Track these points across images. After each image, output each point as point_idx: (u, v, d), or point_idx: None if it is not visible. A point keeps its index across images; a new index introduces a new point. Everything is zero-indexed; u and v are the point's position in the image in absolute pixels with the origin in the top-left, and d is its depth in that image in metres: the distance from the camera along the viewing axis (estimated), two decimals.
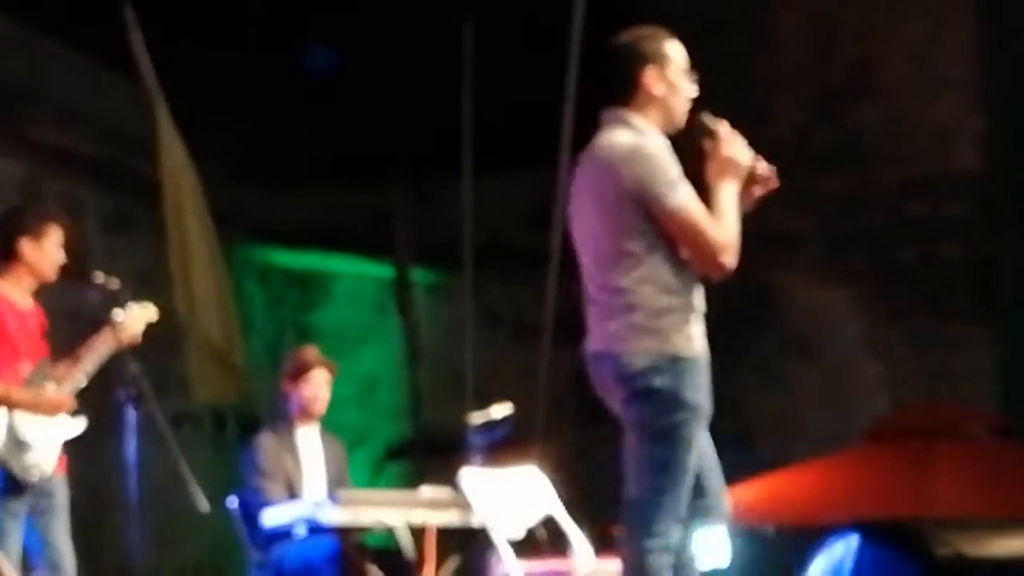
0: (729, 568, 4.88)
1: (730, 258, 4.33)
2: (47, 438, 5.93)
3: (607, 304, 4.39)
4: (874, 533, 3.95)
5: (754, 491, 8.80)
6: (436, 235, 12.17)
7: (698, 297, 4.43)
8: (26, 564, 5.85)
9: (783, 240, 11.11)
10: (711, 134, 4.49)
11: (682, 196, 4.32)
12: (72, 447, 6.29)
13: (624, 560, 4.43)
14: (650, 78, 4.47)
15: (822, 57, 11.60)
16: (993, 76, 11.10)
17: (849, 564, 3.97)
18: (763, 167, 4.55)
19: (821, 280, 11.41)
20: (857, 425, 10.46)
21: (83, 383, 6.08)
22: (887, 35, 11.49)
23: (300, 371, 6.92)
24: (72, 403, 6.02)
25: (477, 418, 6.55)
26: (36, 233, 6.08)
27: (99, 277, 6.26)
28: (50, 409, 5.93)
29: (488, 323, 12.49)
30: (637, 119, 4.47)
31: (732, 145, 4.46)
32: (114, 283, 6.23)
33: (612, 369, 4.37)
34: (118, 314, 6.15)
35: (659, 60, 4.50)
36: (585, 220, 4.53)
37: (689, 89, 4.54)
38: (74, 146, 10.47)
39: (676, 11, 11.62)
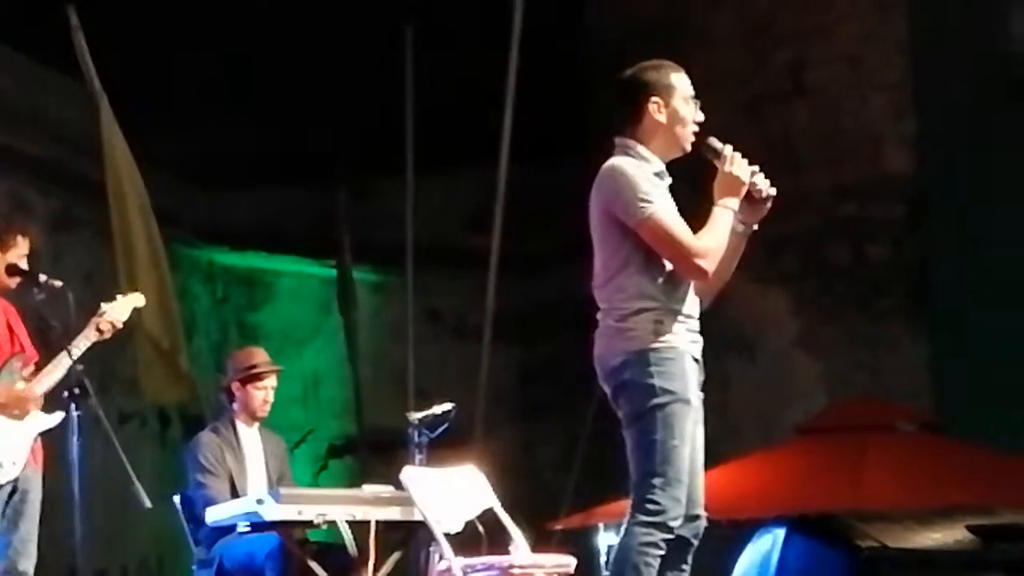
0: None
1: (706, 263, 4.68)
2: (15, 435, 5.96)
3: (600, 312, 4.79)
4: (800, 526, 4.09)
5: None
6: (378, 235, 12.23)
7: (680, 300, 4.74)
8: None
9: None
10: (716, 154, 4.84)
11: (650, 208, 4.66)
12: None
13: (621, 543, 4.70)
14: (652, 107, 4.79)
15: (754, 60, 11.74)
16: (923, 78, 11.28)
17: (776, 556, 4.10)
18: (761, 182, 4.89)
19: (757, 281, 11.55)
20: (794, 421, 10.65)
21: (55, 380, 6.09)
22: (818, 38, 11.65)
23: (251, 376, 6.94)
24: (37, 400, 6.04)
25: (418, 416, 6.62)
26: (4, 245, 6.14)
27: (42, 277, 6.27)
28: (14, 409, 5.97)
29: (430, 322, 12.59)
30: (635, 146, 4.82)
31: (734, 164, 4.82)
32: (57, 283, 6.24)
33: (599, 371, 4.78)
34: (102, 307, 6.21)
35: (662, 90, 4.83)
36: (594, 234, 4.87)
37: (693, 115, 4.87)
38: (19, 146, 10.48)
39: (610, 14, 11.80)
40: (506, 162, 10.00)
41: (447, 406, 6.63)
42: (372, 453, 11.81)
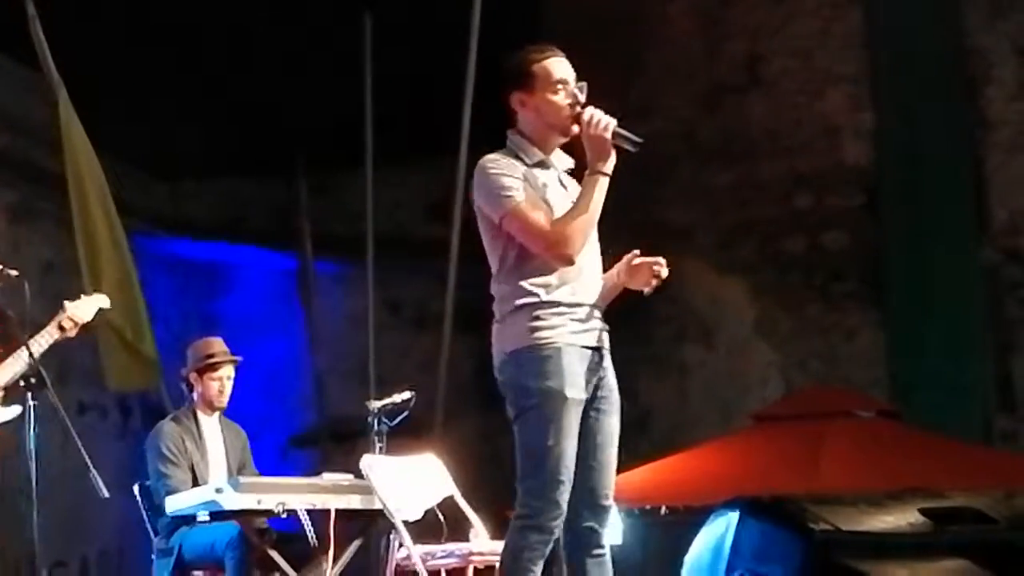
0: (621, 547, 5.08)
1: (567, 247, 4.56)
2: None
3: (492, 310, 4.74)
4: (753, 509, 4.14)
5: (647, 473, 9.03)
6: (338, 226, 12.23)
7: (561, 291, 4.65)
8: None
9: (677, 231, 11.32)
10: (580, 123, 4.67)
11: (510, 202, 4.59)
12: None
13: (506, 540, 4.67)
14: (515, 101, 4.74)
15: (710, 52, 11.81)
16: (878, 70, 11.37)
17: (729, 539, 4.15)
18: (626, 132, 4.69)
19: (714, 270, 11.63)
20: (750, 408, 10.73)
21: (14, 375, 6.07)
22: (774, 30, 11.73)
23: (208, 366, 6.95)
24: None
25: (378, 404, 6.64)
26: None
27: None
28: None
29: (390, 312, 12.59)
30: (515, 138, 4.77)
31: (594, 125, 4.63)
32: (13, 272, 6.21)
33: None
34: (66, 305, 6.19)
35: (523, 81, 4.73)
36: None
37: (566, 99, 4.71)
38: None
39: (567, 6, 11.83)
40: (466, 153, 10.02)
41: (407, 394, 6.67)
42: (333, 442, 11.83)
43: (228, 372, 6.99)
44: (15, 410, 6.11)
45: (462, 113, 10.04)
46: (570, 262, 4.59)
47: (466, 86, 10.05)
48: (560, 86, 4.71)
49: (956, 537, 4.27)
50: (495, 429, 12.74)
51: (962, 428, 10.04)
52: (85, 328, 6.32)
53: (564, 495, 4.52)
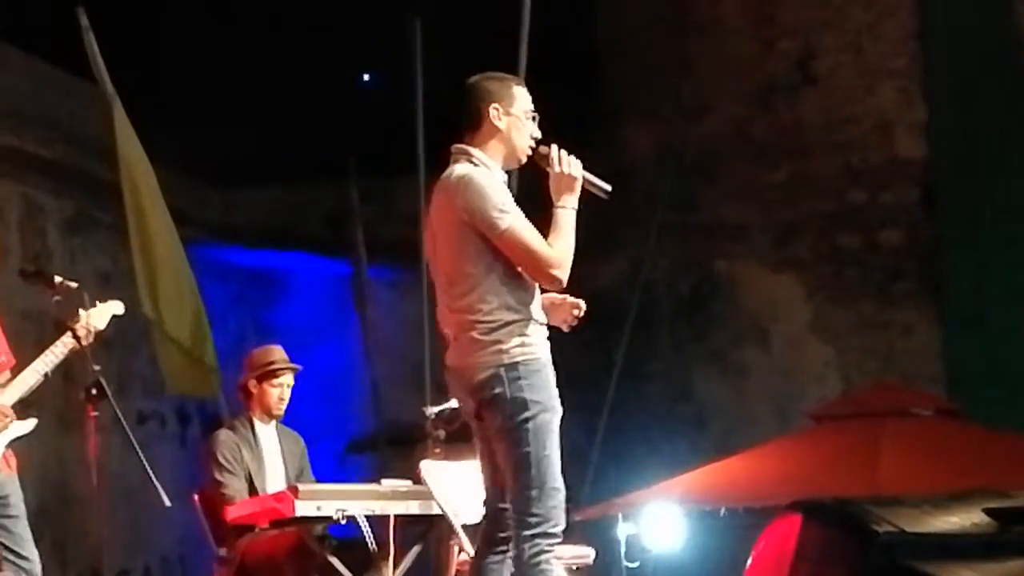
0: (681, 549, 5.08)
1: (561, 272, 4.72)
2: None
3: (455, 323, 4.79)
4: (816, 512, 4.12)
5: (705, 475, 9.01)
6: (391, 231, 12.25)
7: (538, 309, 4.81)
8: None
9: (730, 230, 11.28)
10: (544, 159, 4.86)
11: (509, 219, 4.69)
12: (36, 447, 6.34)
13: (514, 560, 4.76)
14: (493, 114, 4.83)
15: (762, 50, 11.76)
16: (929, 65, 11.29)
17: (792, 542, 4.13)
18: (594, 177, 4.87)
19: (769, 268, 11.57)
20: (807, 408, 10.67)
21: (29, 387, 6.09)
22: (826, 26, 11.67)
23: (268, 374, 6.95)
24: (8, 411, 6.04)
25: (435, 410, 6.63)
26: None
27: (58, 278, 6.28)
28: None
29: None
30: (478, 153, 4.85)
31: (564, 163, 4.81)
32: (72, 284, 6.25)
33: (458, 382, 4.82)
34: (79, 314, 6.18)
35: (503, 98, 4.87)
36: (436, 245, 4.90)
37: (531, 129, 4.88)
38: (32, 149, 10.51)
39: (617, 8, 11.81)
40: None
41: None
42: (390, 448, 11.84)
43: (288, 380, 6.99)
44: (30, 424, 6.13)
45: None
46: (561, 285, 4.73)
47: None
48: (530, 113, 4.89)
49: (1022, 537, 4.23)
50: None
51: (1022, 424, 9.94)
52: (99, 337, 6.28)
53: (562, 501, 4.71)
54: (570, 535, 8.53)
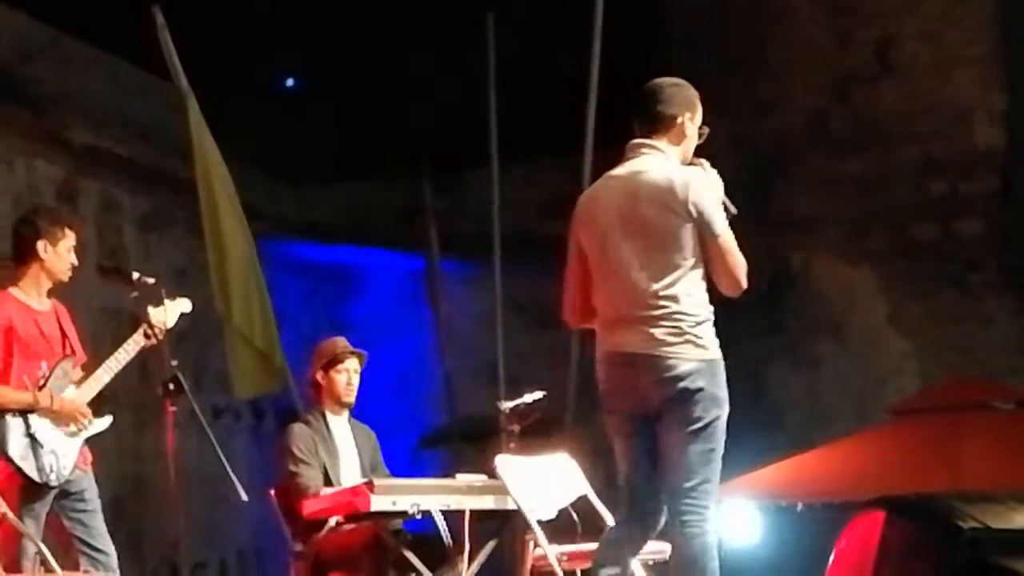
0: (757, 544, 5.06)
1: (745, 280, 4.91)
2: (64, 439, 6.03)
3: (647, 313, 4.89)
4: (900, 507, 4.06)
5: (783, 470, 8.93)
6: (464, 225, 12.26)
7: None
8: (47, 563, 5.92)
9: (805, 223, 11.19)
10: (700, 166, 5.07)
11: (724, 224, 4.91)
12: (114, 442, 6.40)
13: (677, 542, 4.88)
14: (686, 120, 5.07)
15: (838, 40, 11.66)
16: (1009, 52, 11.14)
17: (875, 539, 4.07)
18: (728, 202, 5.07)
19: (844, 261, 11.47)
20: (884, 402, 10.56)
21: (103, 384, 6.14)
22: (902, 15, 11.55)
23: (331, 362, 6.98)
24: (84, 412, 6.11)
25: (509, 404, 6.62)
26: (53, 237, 6.18)
27: (135, 275, 6.33)
28: (66, 417, 6.04)
29: (518, 311, 12.59)
30: (670, 150, 5.05)
31: (712, 178, 5.02)
32: (149, 280, 6.30)
33: (653, 370, 4.86)
34: (149, 312, 6.23)
35: (695, 111, 5.11)
36: (623, 232, 4.98)
37: (698, 139, 5.13)
38: (109, 147, 10.61)
39: (691, 1, 11.75)
40: (590, 150, 9.98)
41: (537, 394, 6.63)
42: (464, 443, 11.85)
43: (353, 365, 7.00)
44: (105, 422, 6.18)
45: (586, 111, 10.00)
46: (741, 292, 4.90)
47: (590, 83, 10.01)
48: (703, 130, 5.12)
49: None
50: None
51: None
52: (169, 334, 6.32)
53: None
54: None
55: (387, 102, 11.50)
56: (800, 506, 8.41)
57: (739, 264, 4.88)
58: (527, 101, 11.06)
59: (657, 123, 5.04)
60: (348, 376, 6.97)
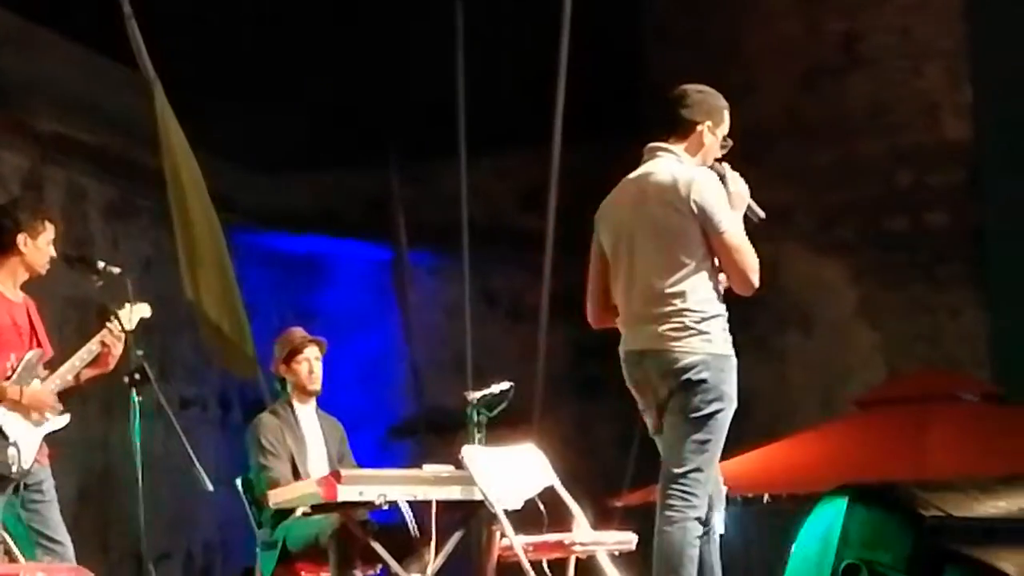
0: (724, 535, 5.09)
1: (757, 279, 5.04)
2: (27, 432, 6.01)
3: (656, 310, 5.03)
4: (862, 496, 4.09)
5: (749, 461, 8.96)
6: (432, 216, 12.24)
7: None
8: (11, 554, 5.90)
9: (773, 213, 11.19)
10: (721, 177, 5.17)
11: (731, 222, 5.03)
12: (80, 432, 6.37)
13: (659, 527, 5.06)
14: (706, 128, 5.18)
15: (808, 31, 11.67)
16: (977, 46, 11.19)
17: (838, 527, 4.10)
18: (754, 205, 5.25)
19: (813, 251, 11.50)
20: (852, 394, 10.60)
21: (67, 380, 6.12)
22: (871, 7, 11.58)
23: (291, 353, 6.99)
24: (52, 403, 6.09)
25: (476, 395, 6.62)
26: (33, 230, 6.17)
27: (101, 263, 6.31)
28: (31, 409, 6.02)
29: (486, 302, 12.59)
30: (684, 155, 5.18)
31: (735, 182, 5.16)
32: (115, 269, 6.28)
33: (658, 363, 5.03)
34: (114, 311, 6.21)
35: (717, 120, 5.22)
36: (636, 233, 5.14)
37: (722, 146, 5.24)
38: (75, 135, 10.57)
39: None
40: (559, 142, 9.98)
41: (505, 385, 6.63)
42: (432, 434, 11.85)
43: (314, 353, 7.01)
44: (64, 419, 6.17)
45: (556, 100, 10.00)
46: (753, 291, 5.04)
47: (559, 74, 10.00)
48: (727, 140, 5.24)
49: None
50: (592, 419, 12.73)
51: None
52: (132, 333, 6.29)
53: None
54: (612, 521, 8.54)
55: (356, 90, 11.47)
56: (767, 497, 8.45)
57: (748, 263, 4.98)
58: (498, 92, 11.05)
59: (676, 127, 5.17)
60: (309, 364, 6.99)
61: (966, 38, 11.29)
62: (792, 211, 11.44)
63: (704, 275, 4.99)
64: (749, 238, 5.12)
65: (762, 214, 5.21)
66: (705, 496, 4.96)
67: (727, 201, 5.05)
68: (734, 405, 5.01)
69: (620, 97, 11.03)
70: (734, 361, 5.02)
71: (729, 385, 4.97)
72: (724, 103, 5.23)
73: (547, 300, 10.39)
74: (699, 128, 5.15)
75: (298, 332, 7.12)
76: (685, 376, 4.96)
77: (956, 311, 11.21)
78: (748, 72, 11.38)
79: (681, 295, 4.99)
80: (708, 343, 4.97)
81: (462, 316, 11.08)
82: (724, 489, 5.18)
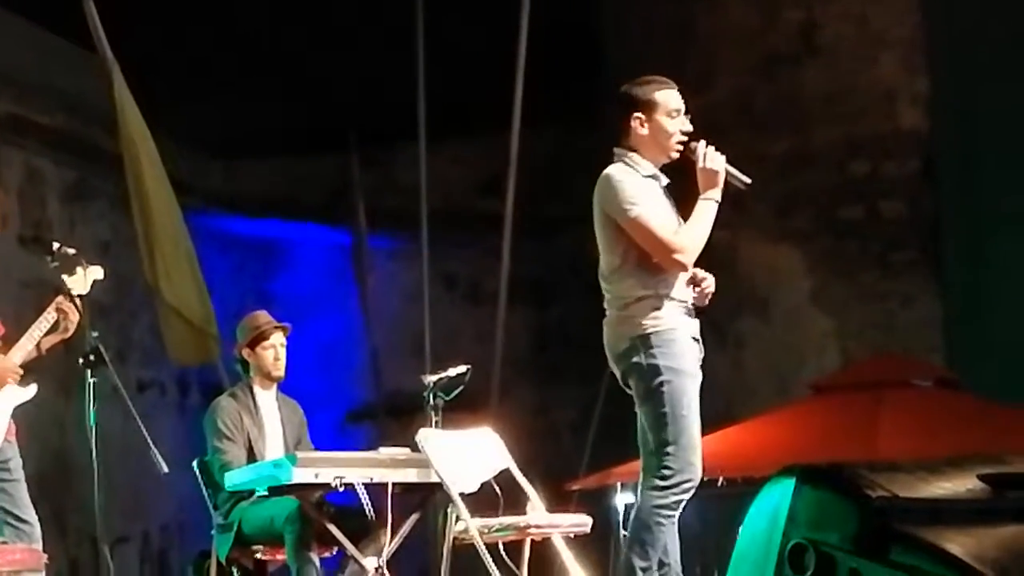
0: (680, 518, 5.14)
1: (684, 256, 5.16)
2: None
3: (607, 303, 5.31)
4: (809, 476, 4.13)
5: (706, 445, 8.98)
6: (392, 202, 12.25)
7: (672, 287, 5.21)
8: None
9: (730, 200, 11.24)
10: (693, 154, 5.31)
11: (637, 210, 5.14)
12: (37, 414, 6.36)
13: (638, 500, 5.22)
14: (635, 121, 5.27)
15: (764, 20, 11.71)
16: (933, 35, 11.25)
17: (785, 507, 4.14)
18: (735, 171, 5.39)
19: (769, 239, 11.56)
20: (808, 378, 10.68)
21: (26, 352, 6.10)
22: None
23: (256, 338, 6.96)
24: (17, 372, 6.06)
25: (433, 378, 6.64)
26: None
27: (55, 244, 6.27)
28: None
29: (445, 287, 12.61)
30: (626, 154, 5.31)
31: (708, 159, 5.30)
32: (70, 250, 6.25)
33: (609, 356, 5.29)
34: (64, 280, 6.17)
35: (643, 106, 5.28)
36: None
37: (677, 128, 5.31)
38: (33, 117, 10.52)
39: None
40: (518, 127, 10.01)
41: (462, 368, 6.66)
42: (390, 417, 11.88)
43: (279, 339, 6.99)
44: (32, 390, 6.14)
45: (515, 87, 10.03)
46: (683, 268, 5.17)
47: (518, 60, 10.03)
48: (675, 114, 5.30)
49: (1016, 502, 4.22)
50: (550, 403, 12.79)
51: (1021, 396, 9.95)
52: (85, 302, 6.26)
53: (698, 458, 5.19)
54: (568, 504, 8.59)
55: (315, 74, 11.46)
56: (722, 480, 8.50)
57: (658, 248, 5.12)
58: (458, 77, 11.06)
59: (619, 129, 5.30)
60: (275, 351, 6.97)
61: (922, 27, 11.35)
62: (748, 198, 11.47)
63: (630, 263, 5.18)
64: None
65: (747, 180, 5.35)
66: (683, 467, 5.12)
67: (635, 191, 5.15)
68: (684, 373, 5.13)
69: (578, 85, 11.07)
70: (674, 333, 5.14)
71: (669, 358, 5.11)
72: (653, 86, 5.31)
73: (506, 284, 10.43)
74: (632, 123, 5.27)
75: (263, 316, 7.09)
76: (623, 362, 5.20)
77: (910, 298, 11.30)
78: (705, 59, 11.42)
79: (612, 285, 5.25)
80: (634, 326, 5.15)
81: (421, 300, 11.11)
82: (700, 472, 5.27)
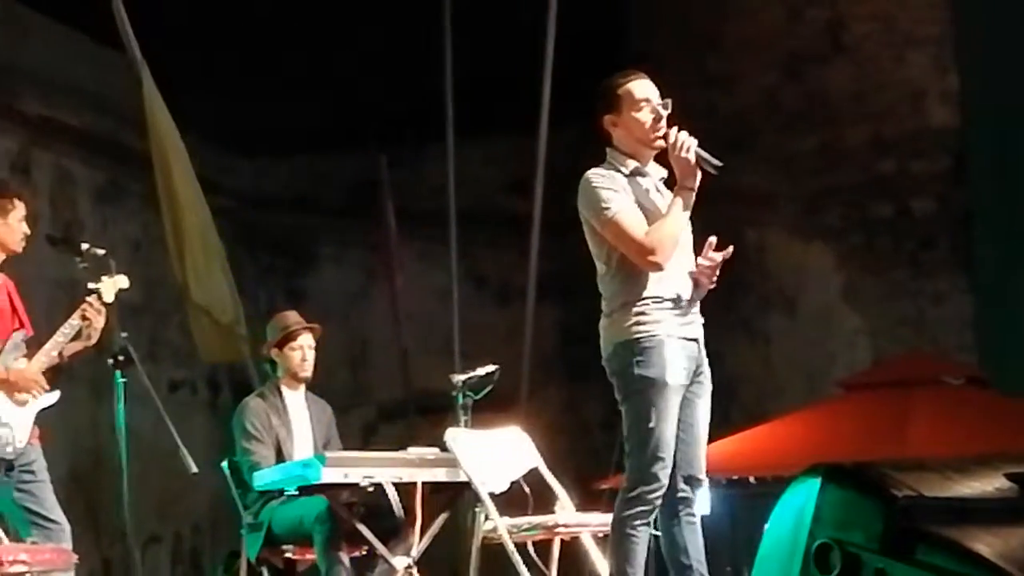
0: (710, 517, 5.15)
1: (656, 256, 5.00)
2: (17, 412, 6.02)
3: (602, 304, 5.18)
4: (835, 476, 4.11)
5: (735, 444, 9.00)
6: (421, 201, 12.26)
7: (662, 288, 5.06)
8: (8, 533, 5.91)
9: (759, 199, 11.25)
10: (666, 142, 5.12)
11: (610, 212, 5.04)
12: (70, 415, 6.38)
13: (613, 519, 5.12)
14: (606, 123, 5.20)
15: (790, 19, 11.69)
16: (962, 32, 11.20)
17: (811, 507, 4.13)
18: (707, 156, 5.07)
19: (798, 237, 11.53)
20: (836, 377, 10.65)
21: (52, 357, 6.12)
22: None
23: (284, 339, 6.97)
24: (39, 381, 6.09)
25: (462, 378, 6.65)
26: (3, 209, 6.13)
27: (84, 245, 6.30)
28: (18, 388, 6.01)
29: (474, 286, 12.62)
30: (610, 155, 5.21)
31: (679, 148, 5.06)
32: (99, 251, 6.27)
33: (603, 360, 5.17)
34: (90, 285, 6.19)
35: (611, 105, 5.18)
36: None
37: (647, 116, 5.14)
38: (63, 119, 10.57)
39: None
40: (546, 127, 10.01)
41: (491, 367, 6.67)
42: (419, 417, 11.88)
43: (308, 340, 6.99)
44: (54, 396, 6.15)
45: (542, 84, 10.03)
46: (658, 268, 5.01)
47: (545, 60, 10.03)
48: (643, 104, 5.14)
49: None
50: (580, 401, 12.77)
51: None
52: (113, 308, 6.28)
53: (664, 471, 4.99)
54: (597, 503, 8.58)
55: (344, 73, 11.48)
56: (752, 479, 8.49)
57: (631, 249, 5.00)
58: (485, 76, 11.06)
59: (604, 134, 5.22)
60: (303, 352, 6.96)
61: (950, 25, 11.30)
62: (776, 197, 11.48)
63: (615, 267, 5.09)
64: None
65: (718, 163, 5.07)
66: (644, 477, 4.98)
67: (609, 193, 5.04)
68: (660, 384, 4.96)
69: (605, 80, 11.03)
70: (655, 340, 4.99)
71: (645, 367, 4.97)
72: (616, 82, 5.18)
73: (534, 283, 10.43)
74: (605, 127, 5.20)
75: (293, 316, 7.09)
76: (608, 367, 5.12)
77: (941, 296, 11.27)
78: (731, 59, 11.41)
79: (602, 289, 5.17)
80: (615, 333, 5.06)
81: (450, 299, 11.11)
82: (704, 470, 5.20)
